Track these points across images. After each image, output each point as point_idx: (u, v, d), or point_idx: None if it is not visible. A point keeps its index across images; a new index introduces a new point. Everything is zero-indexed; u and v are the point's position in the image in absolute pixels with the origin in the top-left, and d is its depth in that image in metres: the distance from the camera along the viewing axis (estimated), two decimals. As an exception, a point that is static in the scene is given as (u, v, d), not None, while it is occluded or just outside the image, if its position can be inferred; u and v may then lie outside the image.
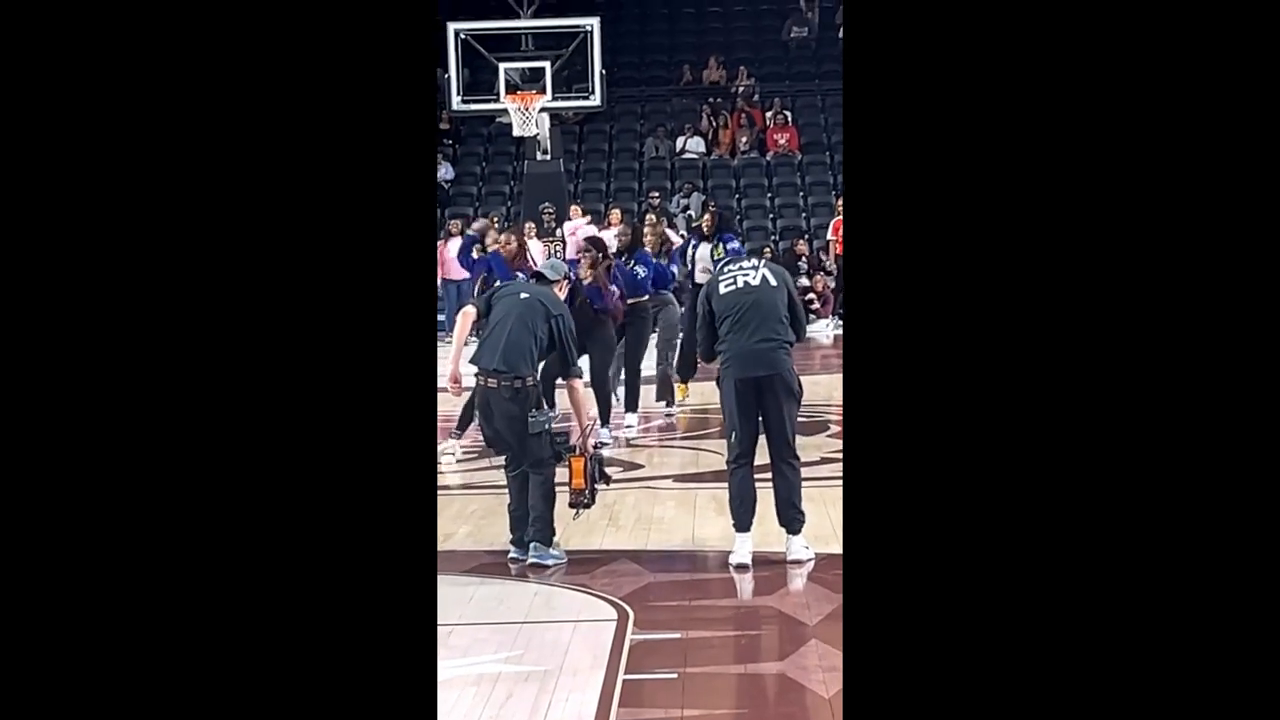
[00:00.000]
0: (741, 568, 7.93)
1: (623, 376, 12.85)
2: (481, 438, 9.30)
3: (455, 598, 7.87)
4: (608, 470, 9.00)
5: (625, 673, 6.49)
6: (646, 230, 14.45)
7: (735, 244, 14.53)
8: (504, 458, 8.61)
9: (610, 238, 13.69)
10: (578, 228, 21.59)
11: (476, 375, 8.44)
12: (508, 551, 8.50)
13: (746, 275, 7.98)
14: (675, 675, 6.48)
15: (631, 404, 13.02)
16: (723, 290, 7.96)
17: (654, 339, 13.70)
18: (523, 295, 8.50)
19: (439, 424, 12.11)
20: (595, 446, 8.85)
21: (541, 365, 8.74)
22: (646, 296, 12.98)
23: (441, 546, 8.77)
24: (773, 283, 7.98)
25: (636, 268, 12.89)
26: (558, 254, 19.95)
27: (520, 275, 11.03)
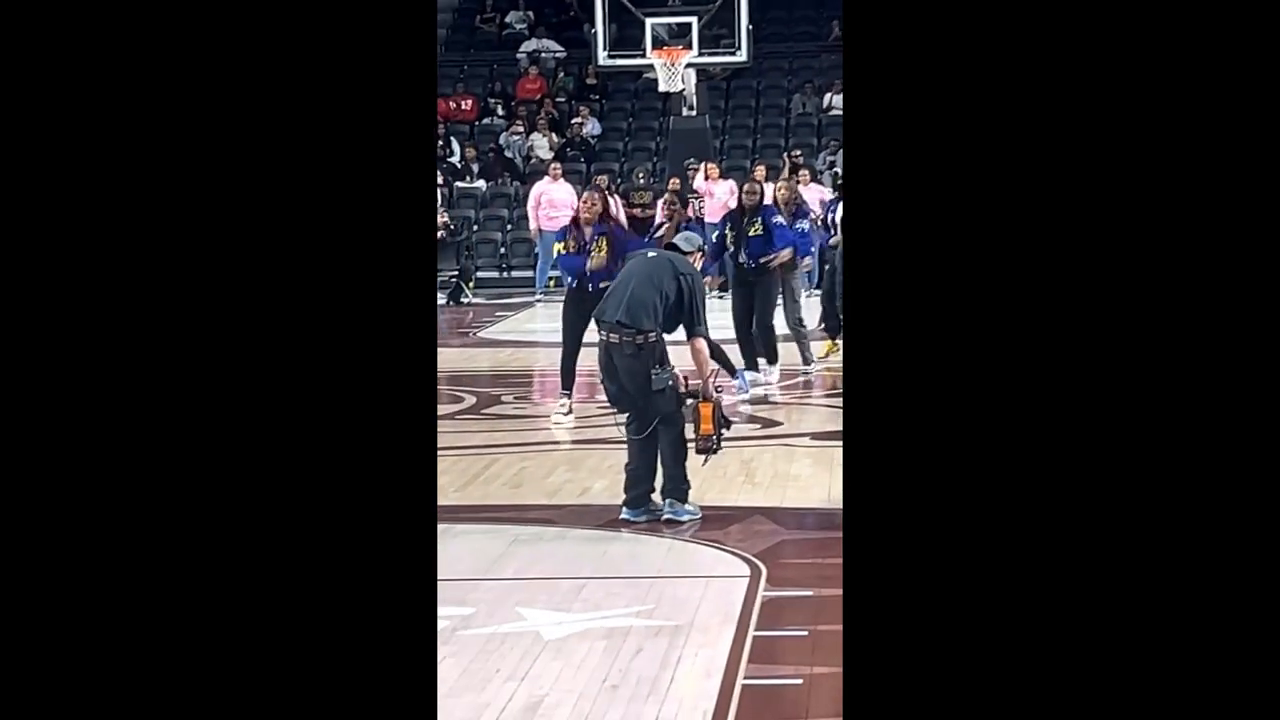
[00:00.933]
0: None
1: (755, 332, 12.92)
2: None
3: (589, 553, 7.93)
4: (731, 418, 8.94)
5: (756, 629, 6.50)
6: (782, 186, 14.45)
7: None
8: (625, 416, 8.55)
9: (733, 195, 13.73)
10: (711, 187, 21.68)
11: (599, 330, 8.46)
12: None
13: None
14: (806, 633, 6.48)
15: (771, 357, 13.05)
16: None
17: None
18: (650, 254, 8.50)
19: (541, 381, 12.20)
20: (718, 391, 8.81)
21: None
22: (773, 256, 12.98)
23: (578, 501, 8.84)
24: None
25: (759, 227, 12.93)
26: (700, 210, 19.95)
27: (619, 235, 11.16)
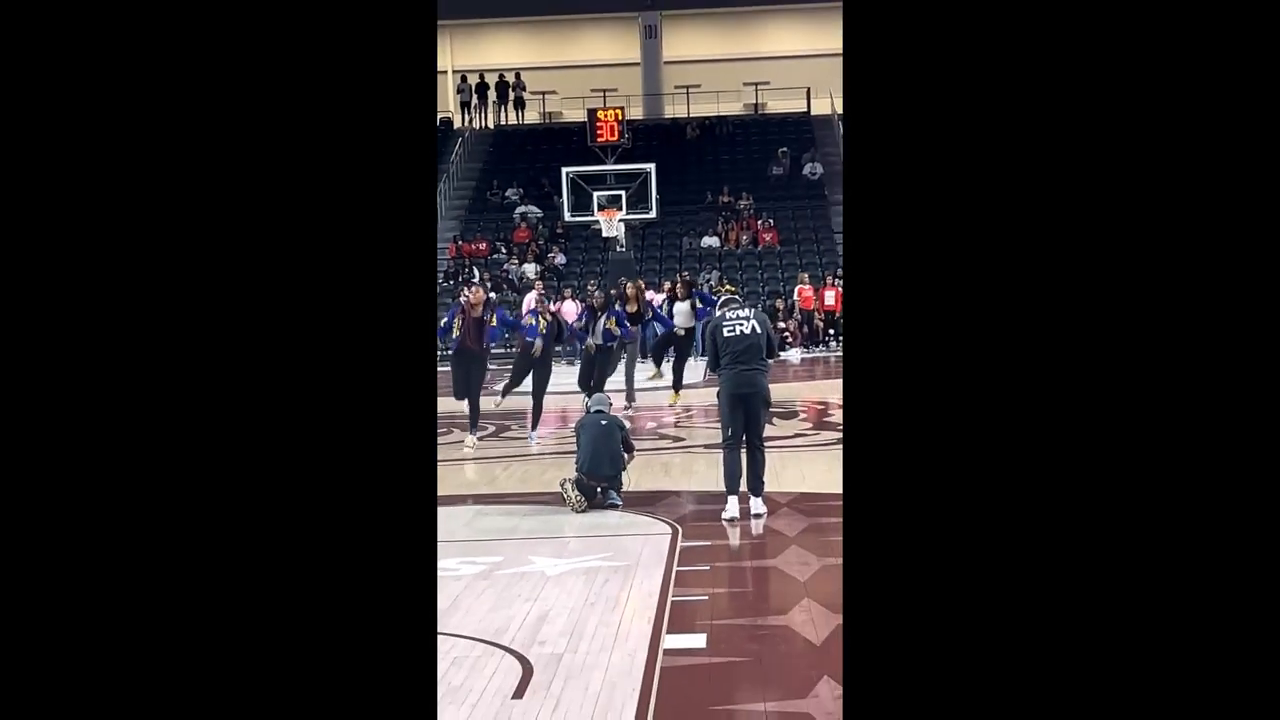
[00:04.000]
0: (731, 521, 7.47)
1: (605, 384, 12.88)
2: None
3: (572, 521, 7.93)
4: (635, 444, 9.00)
5: (677, 566, 6.50)
6: (632, 292, 14.89)
7: (705, 295, 14.68)
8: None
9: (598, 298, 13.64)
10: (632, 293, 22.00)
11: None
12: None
13: (741, 325, 7.64)
14: (709, 567, 6.49)
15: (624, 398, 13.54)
16: (725, 334, 7.64)
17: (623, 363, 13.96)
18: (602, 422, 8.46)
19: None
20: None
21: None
22: (615, 341, 13.10)
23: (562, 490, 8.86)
24: (758, 330, 7.65)
25: (609, 321, 12.98)
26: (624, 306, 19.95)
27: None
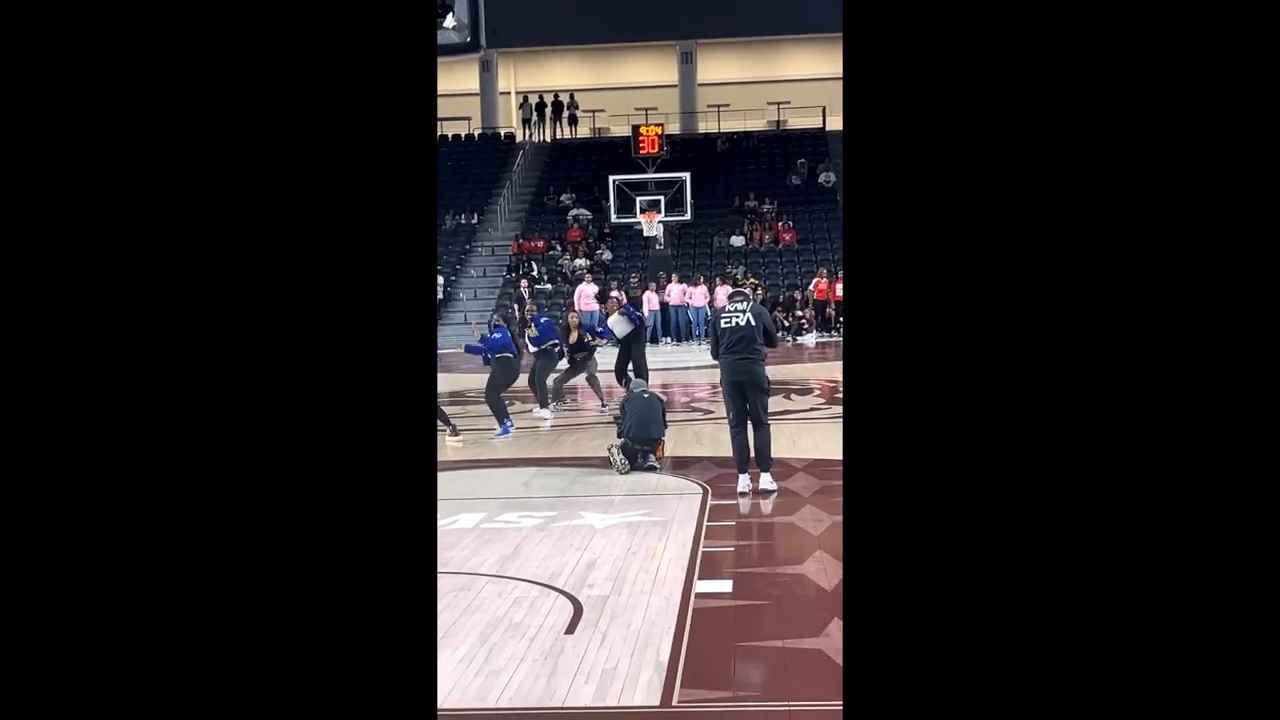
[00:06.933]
0: (743, 494, 7.19)
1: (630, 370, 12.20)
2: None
3: (617, 481, 7.95)
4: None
5: (707, 521, 6.49)
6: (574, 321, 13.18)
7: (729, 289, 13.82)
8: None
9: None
10: (670, 288, 22.00)
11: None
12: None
13: (737, 317, 7.37)
14: (734, 523, 6.48)
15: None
16: (722, 324, 7.41)
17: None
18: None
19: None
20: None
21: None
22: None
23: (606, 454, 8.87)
24: (753, 322, 7.35)
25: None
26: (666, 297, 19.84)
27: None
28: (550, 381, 11.66)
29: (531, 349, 11.46)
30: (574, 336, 12.10)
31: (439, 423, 10.03)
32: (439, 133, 31.35)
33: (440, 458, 9.69)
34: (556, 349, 11.51)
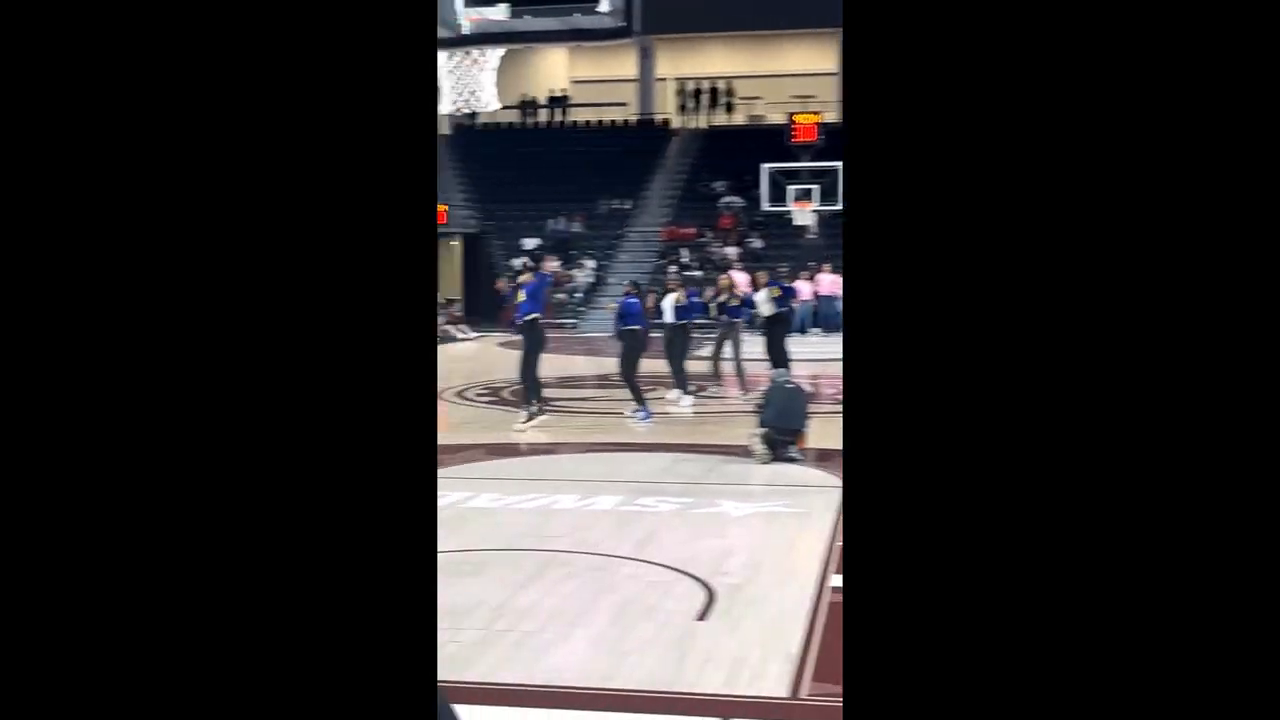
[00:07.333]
0: None
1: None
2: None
3: (756, 471, 7.90)
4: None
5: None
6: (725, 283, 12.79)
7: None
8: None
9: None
10: (821, 277, 21.76)
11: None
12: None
13: None
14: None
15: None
16: None
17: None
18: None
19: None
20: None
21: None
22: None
23: (743, 443, 8.84)
24: None
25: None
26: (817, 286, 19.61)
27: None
28: (706, 365, 11.65)
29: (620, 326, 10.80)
30: (724, 297, 12.09)
31: (530, 400, 9.93)
32: (598, 119, 31.70)
33: (522, 439, 9.54)
34: (639, 330, 10.69)
